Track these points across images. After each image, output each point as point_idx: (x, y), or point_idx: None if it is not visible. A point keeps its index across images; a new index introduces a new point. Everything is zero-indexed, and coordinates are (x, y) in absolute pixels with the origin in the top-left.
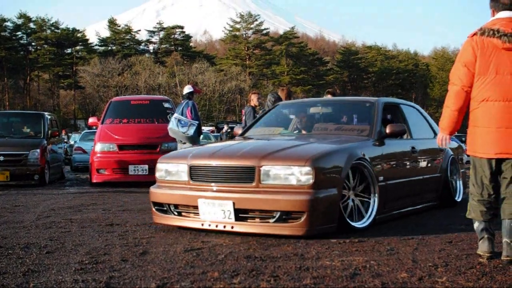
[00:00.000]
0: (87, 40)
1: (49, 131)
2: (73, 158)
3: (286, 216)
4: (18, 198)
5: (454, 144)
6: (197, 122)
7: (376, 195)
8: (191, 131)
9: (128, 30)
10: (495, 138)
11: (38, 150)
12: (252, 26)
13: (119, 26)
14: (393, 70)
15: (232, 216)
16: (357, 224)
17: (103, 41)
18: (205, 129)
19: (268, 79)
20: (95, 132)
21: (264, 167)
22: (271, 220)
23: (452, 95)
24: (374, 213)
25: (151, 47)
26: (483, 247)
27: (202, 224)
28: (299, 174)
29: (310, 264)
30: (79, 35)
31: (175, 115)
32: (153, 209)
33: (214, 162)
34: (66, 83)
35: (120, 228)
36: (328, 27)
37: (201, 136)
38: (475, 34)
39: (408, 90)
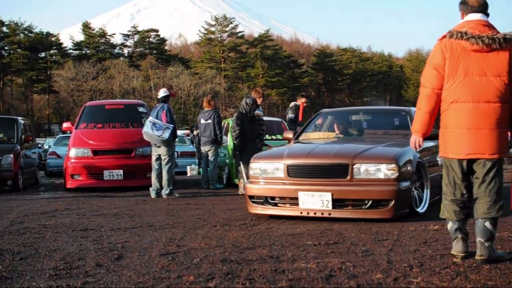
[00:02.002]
0: (61, 44)
1: (23, 136)
2: (47, 163)
3: (377, 204)
4: None
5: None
6: (172, 125)
7: (428, 187)
8: (166, 134)
9: (103, 34)
10: (466, 139)
11: (11, 155)
12: (227, 29)
13: (94, 30)
14: (368, 72)
15: (330, 205)
16: (419, 210)
17: (77, 45)
18: (180, 132)
19: (243, 82)
20: (70, 136)
21: (356, 164)
22: (364, 207)
23: (423, 97)
24: (428, 200)
25: (125, 50)
26: (457, 247)
27: (301, 213)
28: (386, 170)
29: (286, 266)
30: (53, 39)
31: (150, 118)
32: (250, 201)
33: (311, 161)
34: (40, 88)
35: (94, 233)
36: (303, 30)
37: (176, 140)
38: (444, 37)
39: (382, 91)
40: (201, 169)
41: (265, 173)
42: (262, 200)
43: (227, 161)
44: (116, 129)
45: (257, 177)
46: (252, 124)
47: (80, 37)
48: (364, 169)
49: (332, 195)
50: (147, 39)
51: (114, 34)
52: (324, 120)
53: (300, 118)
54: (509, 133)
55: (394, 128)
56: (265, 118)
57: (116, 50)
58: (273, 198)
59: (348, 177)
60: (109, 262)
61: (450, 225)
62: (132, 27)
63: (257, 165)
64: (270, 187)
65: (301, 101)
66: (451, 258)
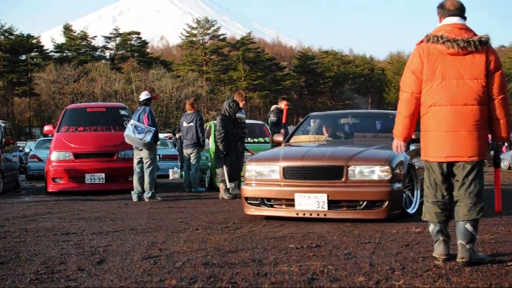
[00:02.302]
0: (42, 46)
1: (3, 139)
2: (28, 166)
3: (371, 204)
4: None
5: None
6: (154, 128)
7: (418, 188)
8: (148, 137)
9: (84, 36)
10: (445, 142)
11: None
12: (209, 31)
13: (75, 32)
14: (350, 75)
15: (326, 206)
16: (409, 210)
17: (59, 48)
18: (162, 135)
19: (225, 84)
20: (51, 140)
21: (351, 166)
22: (359, 208)
23: (403, 102)
24: (418, 201)
25: (107, 53)
26: (438, 250)
27: (297, 214)
28: (380, 172)
29: (268, 269)
30: (34, 41)
31: (132, 121)
32: (245, 203)
33: (306, 163)
34: (21, 90)
35: (76, 237)
36: (285, 33)
37: (158, 143)
38: (422, 41)
39: (364, 94)
40: (183, 172)
41: (261, 175)
42: (258, 202)
43: (209, 164)
44: (98, 132)
45: (252, 179)
46: (235, 127)
47: (61, 39)
48: (358, 171)
49: (328, 196)
50: (129, 42)
51: (95, 36)
52: (313, 124)
53: (283, 121)
54: (489, 135)
55: (383, 131)
56: (247, 121)
57: (97, 53)
58: (269, 199)
59: (343, 179)
60: (91, 266)
61: (431, 227)
62: (113, 29)
63: (253, 167)
64: (266, 188)
65: (283, 104)
66: (433, 260)
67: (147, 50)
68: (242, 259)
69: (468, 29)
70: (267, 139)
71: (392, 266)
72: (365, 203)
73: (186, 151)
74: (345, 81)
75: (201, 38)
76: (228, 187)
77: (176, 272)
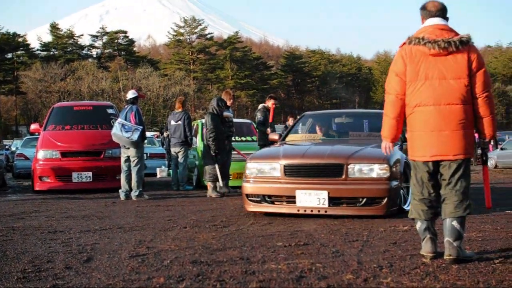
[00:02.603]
0: (29, 45)
1: None
2: (15, 164)
3: (371, 201)
4: None
5: None
6: (141, 127)
7: None
8: (135, 136)
9: (71, 35)
10: (430, 141)
11: None
12: (196, 30)
13: (62, 31)
14: (337, 74)
15: (326, 202)
16: (405, 207)
17: (45, 46)
18: (149, 134)
19: (213, 83)
20: (38, 138)
21: (350, 164)
22: (358, 204)
23: (388, 104)
24: None
25: (94, 52)
26: (426, 248)
27: (298, 210)
28: (379, 170)
29: (256, 267)
30: (20, 39)
31: (119, 120)
32: (247, 200)
33: (307, 161)
34: (7, 89)
35: (63, 235)
36: (273, 32)
37: (145, 141)
38: (404, 43)
39: (351, 93)
40: (170, 170)
41: (262, 172)
42: (259, 199)
43: (197, 162)
44: (85, 131)
45: (253, 177)
46: (223, 125)
47: (48, 38)
48: (358, 169)
49: (329, 193)
50: (116, 40)
51: (82, 35)
52: (307, 123)
53: (270, 120)
54: (476, 134)
55: (376, 130)
56: (234, 120)
57: (84, 51)
58: (270, 196)
59: (343, 176)
60: (78, 264)
61: (418, 225)
62: (100, 28)
63: (254, 165)
64: (267, 185)
65: (270, 103)
66: (420, 258)
67: (134, 49)
68: (230, 257)
69: (449, 30)
70: (254, 137)
71: (380, 264)
72: (364, 200)
73: (174, 150)
74: (332, 80)
75: (188, 37)
76: (221, 185)
77: (164, 270)
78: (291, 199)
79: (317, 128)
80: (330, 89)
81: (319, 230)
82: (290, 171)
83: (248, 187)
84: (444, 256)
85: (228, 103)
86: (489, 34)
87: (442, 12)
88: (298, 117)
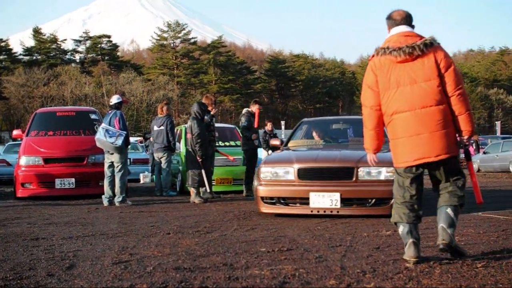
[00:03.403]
0: (11, 49)
1: None
2: None
3: (379, 202)
4: None
5: None
6: (125, 132)
7: None
8: (119, 141)
9: (54, 40)
10: (410, 146)
11: None
12: (179, 35)
13: (44, 35)
14: (320, 79)
15: (338, 203)
16: None
17: (28, 51)
18: (132, 139)
19: (196, 88)
20: (20, 144)
21: (360, 167)
22: (368, 205)
23: (365, 116)
24: None
25: (77, 56)
26: (409, 252)
27: (312, 211)
28: (386, 172)
29: (240, 273)
30: (2, 44)
31: (103, 125)
32: (261, 202)
33: (320, 165)
34: None
35: (46, 242)
36: (256, 37)
37: (129, 147)
38: (373, 56)
39: (335, 98)
40: (154, 176)
41: (276, 176)
42: (274, 201)
43: (180, 168)
44: (68, 137)
45: (268, 180)
46: (206, 130)
47: (30, 42)
48: (367, 172)
49: (341, 195)
50: (99, 45)
51: (65, 39)
52: (304, 129)
53: (256, 125)
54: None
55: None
56: (218, 125)
57: (67, 56)
58: (284, 198)
59: (354, 179)
60: (61, 271)
61: (401, 229)
62: (83, 32)
63: (268, 169)
64: (282, 188)
65: (255, 108)
66: (403, 263)
67: (118, 53)
68: (213, 263)
69: (414, 35)
70: (238, 142)
71: (363, 269)
72: (373, 200)
73: (157, 155)
74: (316, 84)
75: (172, 41)
76: (208, 190)
77: (147, 277)
78: (304, 201)
79: (314, 134)
80: (314, 93)
81: (302, 236)
82: (304, 175)
83: (263, 190)
84: (437, 241)
85: (209, 108)
86: (471, 39)
87: (406, 20)
88: (297, 123)
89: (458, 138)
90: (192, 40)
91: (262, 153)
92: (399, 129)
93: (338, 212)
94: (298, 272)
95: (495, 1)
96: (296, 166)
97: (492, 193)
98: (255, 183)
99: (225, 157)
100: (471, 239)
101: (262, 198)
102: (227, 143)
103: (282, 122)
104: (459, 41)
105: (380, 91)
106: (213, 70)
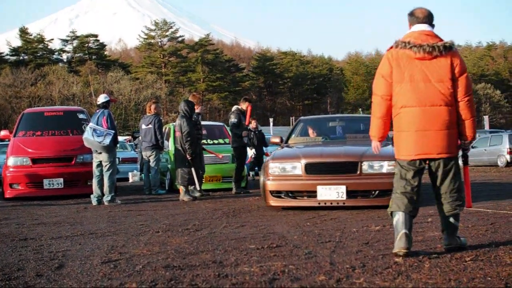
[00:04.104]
0: None
1: None
2: None
3: (382, 193)
4: None
5: None
6: (113, 131)
7: None
8: (107, 140)
9: (41, 39)
10: (415, 140)
11: None
12: (167, 33)
13: (31, 35)
14: (308, 75)
15: (344, 195)
16: None
17: (15, 51)
18: (121, 138)
19: (184, 86)
20: (8, 145)
21: (364, 162)
22: (371, 196)
23: (375, 104)
24: None
25: (64, 56)
26: (400, 244)
27: (319, 203)
28: (388, 166)
29: (229, 271)
30: None
31: (91, 124)
32: (270, 196)
33: (326, 160)
34: None
35: (34, 242)
36: (244, 34)
37: (117, 146)
38: (391, 47)
39: (323, 94)
40: (143, 175)
41: (284, 171)
42: (282, 194)
43: (169, 166)
44: (56, 137)
45: (276, 175)
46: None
47: (17, 42)
48: (370, 166)
49: (347, 187)
50: (86, 44)
51: (52, 39)
52: (300, 127)
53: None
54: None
55: (361, 132)
56: (206, 123)
57: (55, 56)
58: (292, 192)
59: (358, 172)
60: (50, 271)
61: (396, 218)
62: (70, 32)
63: (276, 164)
64: (290, 182)
65: (245, 105)
66: (392, 258)
67: (105, 52)
68: (203, 261)
69: (434, 36)
70: (227, 140)
71: (353, 264)
72: (377, 192)
73: (145, 154)
74: (304, 81)
75: (160, 40)
76: (198, 188)
77: (136, 276)
78: (311, 194)
79: (310, 131)
80: (302, 90)
81: (291, 232)
82: (311, 169)
83: (271, 184)
84: (444, 245)
85: (196, 106)
86: (458, 34)
87: (428, 19)
88: (295, 122)
89: (459, 142)
90: (180, 39)
91: (248, 150)
92: (405, 123)
93: (344, 203)
94: (288, 268)
95: None
96: (304, 161)
97: (480, 186)
98: (262, 178)
99: (213, 155)
100: (460, 233)
101: (271, 192)
102: (215, 141)
103: (271, 119)
104: (446, 37)
105: (393, 83)
106: (201, 68)
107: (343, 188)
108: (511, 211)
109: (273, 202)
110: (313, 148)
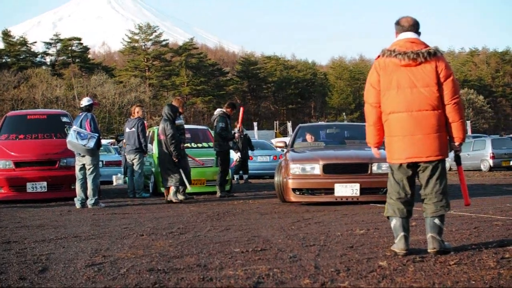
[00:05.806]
0: None
1: None
2: None
3: None
4: None
5: None
6: (96, 134)
7: None
8: (91, 143)
9: (24, 42)
10: (404, 144)
11: None
12: (151, 37)
13: (14, 38)
14: (292, 80)
15: (358, 192)
16: None
17: None
18: (105, 141)
19: (168, 90)
20: None
21: (374, 163)
22: (380, 193)
23: (366, 112)
24: None
25: (48, 59)
26: (399, 245)
27: (336, 199)
28: None
29: (214, 274)
30: None
31: (74, 127)
32: (292, 193)
33: (341, 161)
34: None
35: (17, 246)
36: (228, 38)
37: (101, 149)
38: (379, 56)
39: (307, 99)
40: (127, 178)
41: (304, 171)
42: (303, 191)
43: (153, 169)
44: (39, 140)
45: (297, 174)
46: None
47: (0, 45)
48: (379, 167)
49: (360, 185)
50: (70, 48)
51: (35, 42)
52: (299, 133)
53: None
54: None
55: (355, 138)
56: (190, 126)
57: (38, 59)
58: (312, 189)
59: (369, 172)
60: (33, 275)
61: (393, 222)
62: (54, 35)
63: (296, 165)
64: (309, 181)
65: (229, 110)
66: (377, 261)
67: (89, 56)
68: (187, 264)
69: (420, 43)
70: (210, 144)
71: (337, 268)
72: (385, 189)
73: (129, 157)
74: (288, 85)
75: (143, 43)
76: (189, 188)
77: (121, 279)
78: (328, 191)
79: (308, 137)
80: (286, 94)
81: (276, 235)
82: (328, 170)
83: (293, 183)
84: (428, 249)
85: (180, 110)
86: (441, 40)
87: (414, 27)
88: (296, 128)
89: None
90: (164, 42)
91: (232, 154)
92: (394, 128)
93: (358, 199)
94: (272, 272)
95: (464, 2)
96: (322, 162)
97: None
98: (279, 178)
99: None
100: (444, 237)
101: (293, 189)
102: (199, 145)
103: (255, 123)
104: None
105: (381, 90)
106: (185, 72)
107: (357, 186)
108: (495, 215)
109: (294, 198)
110: (327, 151)
